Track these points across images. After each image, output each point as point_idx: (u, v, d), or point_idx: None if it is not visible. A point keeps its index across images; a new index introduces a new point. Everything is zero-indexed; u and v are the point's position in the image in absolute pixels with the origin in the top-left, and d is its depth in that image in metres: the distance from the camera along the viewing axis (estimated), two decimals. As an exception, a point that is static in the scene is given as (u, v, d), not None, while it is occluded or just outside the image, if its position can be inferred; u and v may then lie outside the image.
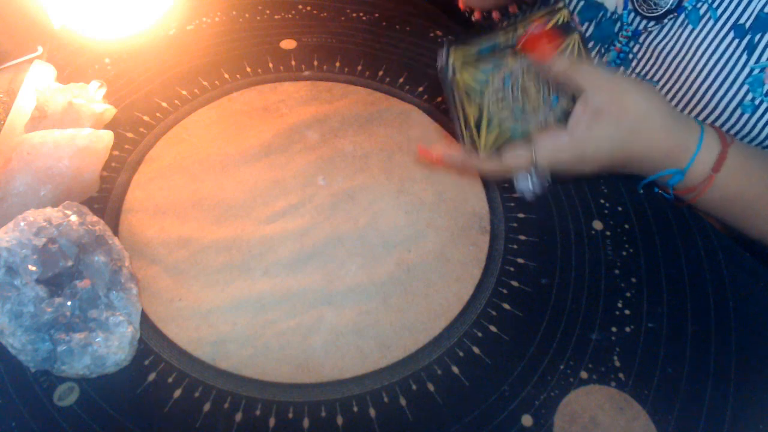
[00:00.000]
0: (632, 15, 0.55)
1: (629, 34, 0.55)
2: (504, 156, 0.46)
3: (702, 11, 0.51)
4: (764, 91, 0.49)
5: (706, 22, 0.51)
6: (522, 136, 0.46)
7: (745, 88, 0.50)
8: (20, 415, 0.39)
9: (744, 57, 0.49)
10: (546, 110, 0.46)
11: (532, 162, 0.45)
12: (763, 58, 0.49)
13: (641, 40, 0.55)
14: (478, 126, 0.45)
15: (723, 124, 0.52)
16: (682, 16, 0.52)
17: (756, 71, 0.49)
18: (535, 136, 0.45)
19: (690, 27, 0.52)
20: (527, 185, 0.47)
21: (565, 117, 0.46)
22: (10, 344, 0.38)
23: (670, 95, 0.55)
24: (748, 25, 0.49)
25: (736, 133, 0.52)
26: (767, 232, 0.49)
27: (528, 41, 0.44)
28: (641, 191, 0.55)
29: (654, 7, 0.53)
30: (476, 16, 0.63)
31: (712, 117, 0.52)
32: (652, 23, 0.53)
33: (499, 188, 0.54)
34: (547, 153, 0.45)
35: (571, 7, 0.59)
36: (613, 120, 0.44)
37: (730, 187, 0.46)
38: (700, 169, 0.46)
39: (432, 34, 0.68)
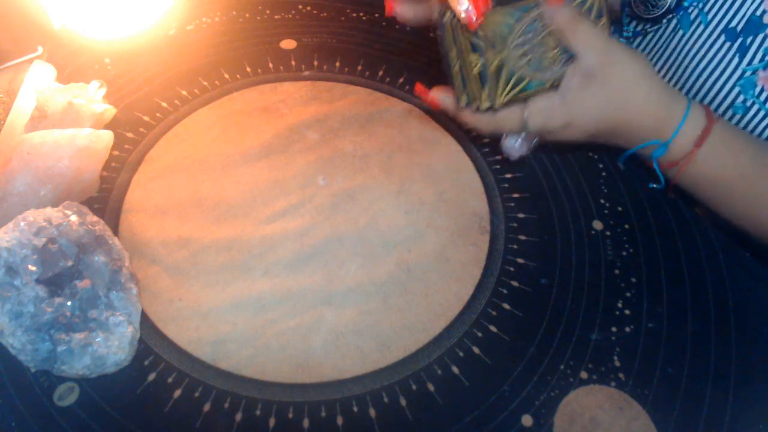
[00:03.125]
0: (630, 16, 0.55)
1: (629, 35, 0.56)
2: (497, 113, 0.45)
3: (693, 15, 0.51)
4: (756, 93, 0.49)
5: (697, 27, 0.51)
6: (536, 90, 0.44)
7: (737, 90, 0.50)
8: (20, 415, 0.39)
9: (736, 59, 0.49)
10: (560, 65, 0.44)
11: (524, 122, 0.44)
12: (755, 61, 0.49)
13: (635, 45, 0.55)
14: (498, 76, 0.42)
15: None
16: (675, 21, 0.52)
17: (748, 73, 0.49)
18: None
19: (681, 32, 0.52)
20: (514, 145, 0.46)
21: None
22: (10, 344, 0.38)
23: None
24: (739, 28, 0.49)
25: None
26: (745, 215, 0.48)
27: None
28: (621, 166, 0.55)
29: (651, 9, 0.53)
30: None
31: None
32: (649, 25, 0.53)
33: (499, 188, 0.54)
34: (539, 114, 0.44)
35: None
36: (602, 84, 0.43)
37: (712, 164, 0.46)
38: (683, 142, 0.45)
39: (432, 34, 0.68)
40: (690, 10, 0.51)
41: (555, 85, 0.44)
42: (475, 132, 0.49)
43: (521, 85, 0.43)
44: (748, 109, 0.50)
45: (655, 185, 0.53)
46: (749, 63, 0.49)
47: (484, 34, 0.41)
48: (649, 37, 0.54)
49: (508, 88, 0.43)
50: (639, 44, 0.55)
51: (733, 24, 0.49)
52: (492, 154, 0.56)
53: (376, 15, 0.70)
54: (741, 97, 0.50)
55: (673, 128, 0.45)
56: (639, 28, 0.54)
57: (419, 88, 0.47)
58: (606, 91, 0.43)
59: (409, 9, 0.45)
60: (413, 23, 0.46)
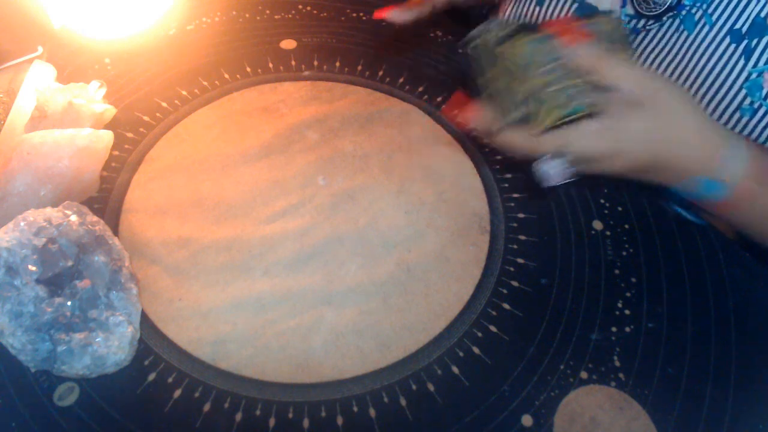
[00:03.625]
0: (629, 15, 0.55)
1: (628, 32, 0.55)
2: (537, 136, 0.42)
3: (697, 17, 0.51)
4: (763, 95, 0.49)
5: (702, 28, 0.51)
6: (578, 116, 0.42)
7: (744, 92, 0.50)
8: (20, 415, 0.39)
9: (741, 61, 0.49)
10: (597, 91, 0.42)
11: (565, 145, 0.41)
12: (761, 63, 0.49)
13: (636, 45, 0.55)
14: (527, 102, 0.41)
15: None
16: (678, 21, 0.52)
17: (754, 75, 0.49)
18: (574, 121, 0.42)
19: (685, 33, 0.52)
20: (550, 170, 0.43)
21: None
22: (10, 344, 0.38)
23: None
24: (744, 30, 0.49)
25: None
26: None
27: (555, 25, 0.40)
28: (678, 210, 0.52)
29: (653, 6, 0.52)
30: None
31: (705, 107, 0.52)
32: (651, 22, 0.53)
33: (499, 188, 0.54)
34: (583, 139, 0.41)
35: (565, 10, 0.59)
36: (650, 113, 0.41)
37: (763, 197, 0.44)
38: (732, 176, 0.44)
39: (432, 34, 0.68)
40: (694, 11, 0.51)
41: (594, 113, 0.42)
42: (509, 153, 0.46)
43: (557, 109, 0.41)
44: (756, 111, 0.49)
45: (686, 214, 0.51)
46: (755, 65, 0.49)
47: (510, 60, 0.40)
48: (651, 35, 0.54)
49: (548, 114, 0.41)
50: (641, 43, 0.55)
51: (738, 25, 0.49)
52: (492, 154, 0.56)
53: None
54: (748, 100, 0.49)
55: (719, 163, 0.43)
56: (639, 25, 0.54)
57: (449, 108, 0.44)
58: (654, 118, 0.41)
59: (399, 13, 0.45)
60: (401, 24, 0.46)
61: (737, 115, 0.50)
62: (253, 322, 0.44)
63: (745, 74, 0.49)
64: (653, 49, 0.54)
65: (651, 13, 0.53)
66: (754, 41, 0.48)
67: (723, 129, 0.45)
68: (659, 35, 0.53)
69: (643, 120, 0.42)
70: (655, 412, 0.41)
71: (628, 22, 0.55)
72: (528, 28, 0.41)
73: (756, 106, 0.49)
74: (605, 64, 0.41)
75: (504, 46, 0.40)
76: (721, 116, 0.51)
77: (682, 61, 0.52)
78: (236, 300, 0.45)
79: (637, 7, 0.54)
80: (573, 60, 0.41)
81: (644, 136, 0.42)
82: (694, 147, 0.43)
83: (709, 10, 0.50)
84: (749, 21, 0.48)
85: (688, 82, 0.53)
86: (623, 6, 0.55)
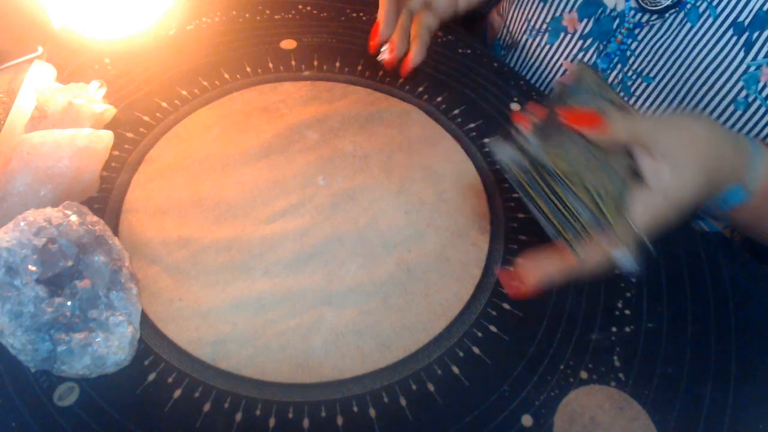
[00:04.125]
0: (634, 8, 0.55)
1: (631, 26, 0.56)
2: (601, 240, 0.40)
3: (701, 9, 0.51)
4: (758, 89, 0.49)
5: (706, 20, 0.51)
6: (626, 191, 0.40)
7: (740, 84, 0.50)
8: (20, 415, 0.39)
9: (741, 54, 0.49)
10: (620, 160, 0.40)
11: (635, 234, 0.39)
12: (761, 56, 0.49)
13: (639, 37, 0.55)
14: (596, 204, 0.39)
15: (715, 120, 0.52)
16: (682, 14, 0.52)
17: (752, 68, 0.49)
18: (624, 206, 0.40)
19: (689, 25, 0.52)
20: (630, 262, 0.40)
21: (631, 171, 0.40)
22: (10, 344, 0.38)
23: (665, 91, 0.55)
24: (747, 22, 0.49)
25: None
26: None
27: (571, 119, 0.39)
28: (706, 229, 0.51)
29: (657, 0, 0.53)
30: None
31: (705, 113, 0.52)
32: (654, 17, 0.54)
33: (499, 188, 0.54)
34: (646, 218, 0.39)
35: (570, 4, 0.59)
36: (692, 155, 0.39)
37: None
38: (754, 179, 0.43)
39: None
40: (698, 3, 0.51)
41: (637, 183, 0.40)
42: (593, 273, 0.41)
43: (612, 197, 0.40)
44: (750, 105, 0.50)
45: (705, 225, 0.50)
46: (754, 58, 0.49)
47: (564, 175, 0.38)
48: (655, 28, 0.54)
49: (611, 206, 0.39)
50: (644, 36, 0.55)
51: (741, 18, 0.49)
52: (492, 154, 0.56)
53: (376, 15, 0.70)
54: (743, 93, 0.50)
55: (747, 167, 0.42)
56: (643, 19, 0.54)
57: (503, 276, 0.42)
58: (696, 158, 0.39)
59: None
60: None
61: (731, 108, 0.51)
62: (253, 322, 0.44)
63: (743, 66, 0.50)
64: (656, 41, 0.54)
65: (655, 8, 0.53)
66: (755, 34, 0.49)
67: (740, 134, 0.44)
68: (663, 28, 0.54)
69: (691, 165, 0.39)
70: (655, 412, 0.41)
71: (633, 16, 0.55)
72: (542, 132, 0.39)
73: (750, 99, 0.50)
74: (613, 138, 0.39)
75: (541, 166, 0.38)
76: (715, 108, 0.52)
77: (683, 52, 0.53)
78: (236, 300, 0.45)
79: (641, 1, 0.54)
80: (607, 144, 0.40)
81: (697, 178, 0.40)
82: (730, 156, 0.42)
83: (714, 2, 0.50)
84: (752, 13, 0.49)
85: (687, 73, 0.53)
86: (627, 0, 0.55)
